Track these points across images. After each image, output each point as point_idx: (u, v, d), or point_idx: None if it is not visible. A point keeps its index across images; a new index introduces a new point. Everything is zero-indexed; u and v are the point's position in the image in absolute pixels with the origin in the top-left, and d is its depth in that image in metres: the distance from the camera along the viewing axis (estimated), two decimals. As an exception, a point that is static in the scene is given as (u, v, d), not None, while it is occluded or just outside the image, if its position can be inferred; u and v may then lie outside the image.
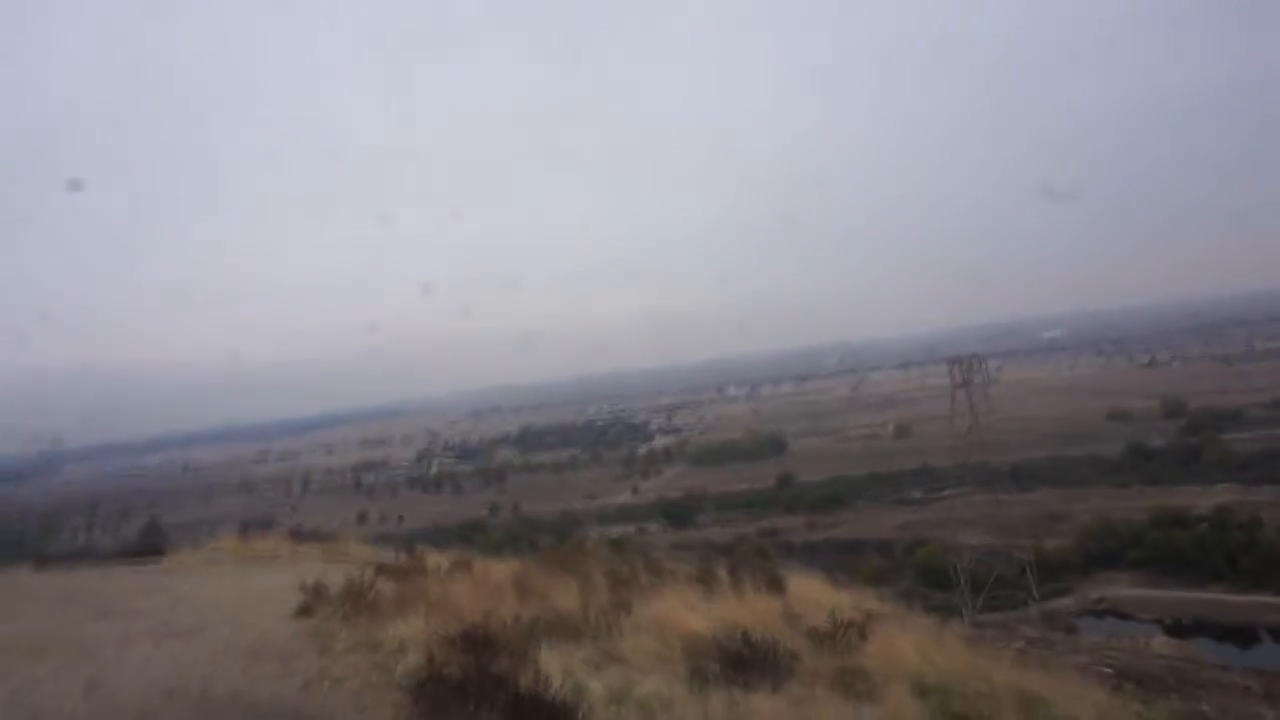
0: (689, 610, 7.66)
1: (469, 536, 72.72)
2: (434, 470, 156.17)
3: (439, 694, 5.53)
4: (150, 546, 22.99)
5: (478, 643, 5.82)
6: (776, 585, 9.81)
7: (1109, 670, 7.50)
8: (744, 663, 5.83)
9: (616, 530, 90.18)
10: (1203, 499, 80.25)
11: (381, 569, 11.96)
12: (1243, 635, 59.25)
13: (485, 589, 9.00)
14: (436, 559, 14.28)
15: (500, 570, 10.36)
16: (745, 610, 7.82)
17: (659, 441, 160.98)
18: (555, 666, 5.94)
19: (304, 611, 9.15)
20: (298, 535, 19.40)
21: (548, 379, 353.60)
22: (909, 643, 6.46)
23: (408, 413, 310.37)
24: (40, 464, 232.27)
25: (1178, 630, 56.24)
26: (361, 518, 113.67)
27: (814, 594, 9.65)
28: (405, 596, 8.77)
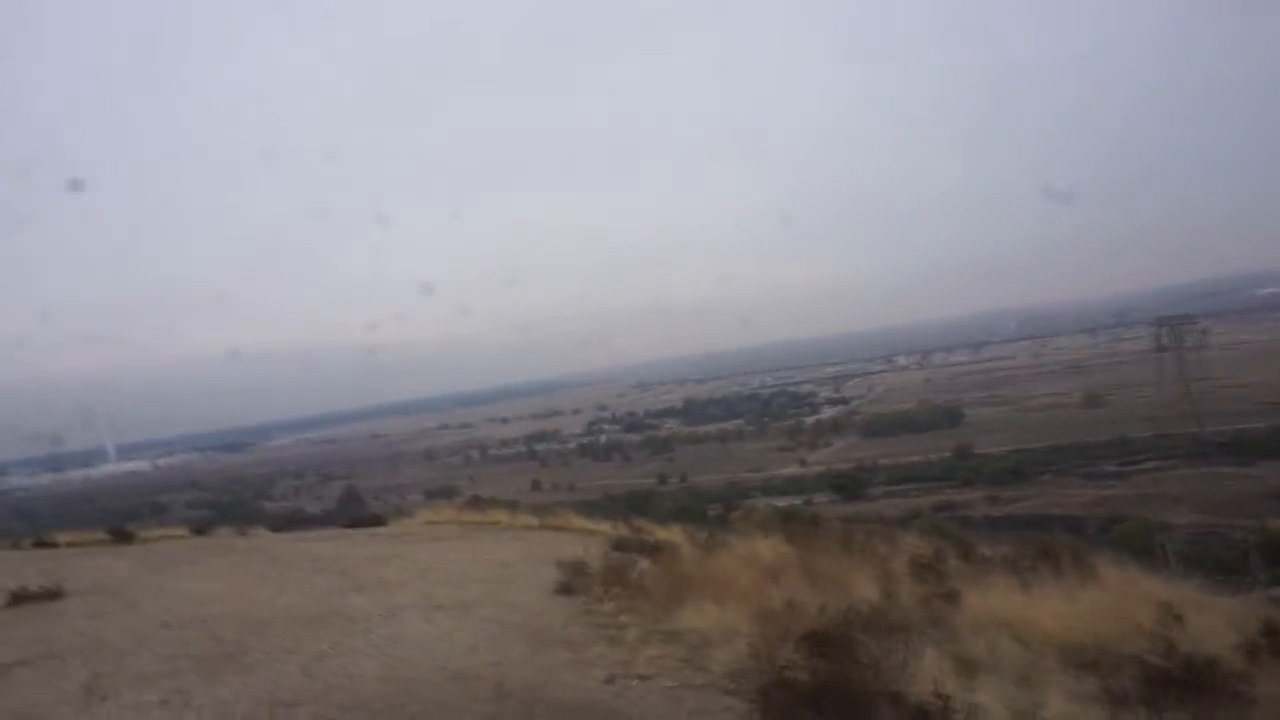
0: (1028, 605, 6.41)
1: (640, 505, 73.34)
2: (603, 440, 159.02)
3: (789, 704, 4.63)
4: (370, 513, 24.04)
5: (826, 642, 4.85)
6: (1089, 574, 8.37)
7: None
8: (1174, 684, 4.57)
9: (784, 502, 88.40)
10: None
11: (622, 544, 11.39)
12: None
13: (761, 572, 8.09)
14: (665, 533, 13.65)
15: (766, 550, 9.43)
16: (1089, 606, 6.46)
17: (826, 412, 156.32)
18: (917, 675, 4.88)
19: (564, 590, 8.62)
20: (507, 504, 19.42)
21: (707, 352, 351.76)
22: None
23: (568, 386, 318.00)
24: (254, 434, 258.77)
25: None
26: (536, 485, 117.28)
27: (1141, 587, 8.10)
28: (675, 578, 8.01)
